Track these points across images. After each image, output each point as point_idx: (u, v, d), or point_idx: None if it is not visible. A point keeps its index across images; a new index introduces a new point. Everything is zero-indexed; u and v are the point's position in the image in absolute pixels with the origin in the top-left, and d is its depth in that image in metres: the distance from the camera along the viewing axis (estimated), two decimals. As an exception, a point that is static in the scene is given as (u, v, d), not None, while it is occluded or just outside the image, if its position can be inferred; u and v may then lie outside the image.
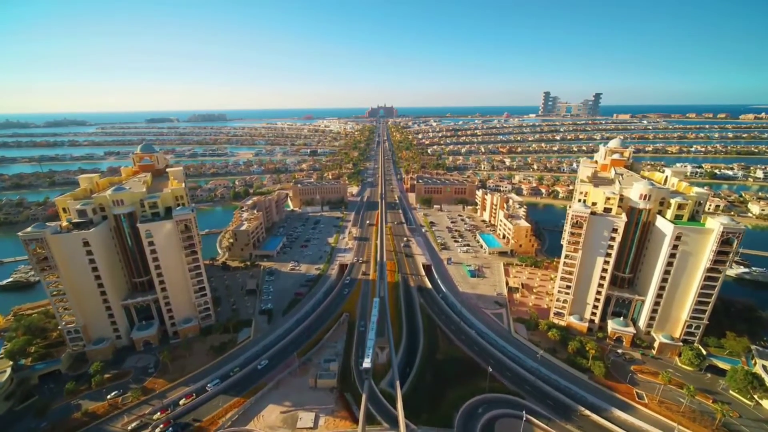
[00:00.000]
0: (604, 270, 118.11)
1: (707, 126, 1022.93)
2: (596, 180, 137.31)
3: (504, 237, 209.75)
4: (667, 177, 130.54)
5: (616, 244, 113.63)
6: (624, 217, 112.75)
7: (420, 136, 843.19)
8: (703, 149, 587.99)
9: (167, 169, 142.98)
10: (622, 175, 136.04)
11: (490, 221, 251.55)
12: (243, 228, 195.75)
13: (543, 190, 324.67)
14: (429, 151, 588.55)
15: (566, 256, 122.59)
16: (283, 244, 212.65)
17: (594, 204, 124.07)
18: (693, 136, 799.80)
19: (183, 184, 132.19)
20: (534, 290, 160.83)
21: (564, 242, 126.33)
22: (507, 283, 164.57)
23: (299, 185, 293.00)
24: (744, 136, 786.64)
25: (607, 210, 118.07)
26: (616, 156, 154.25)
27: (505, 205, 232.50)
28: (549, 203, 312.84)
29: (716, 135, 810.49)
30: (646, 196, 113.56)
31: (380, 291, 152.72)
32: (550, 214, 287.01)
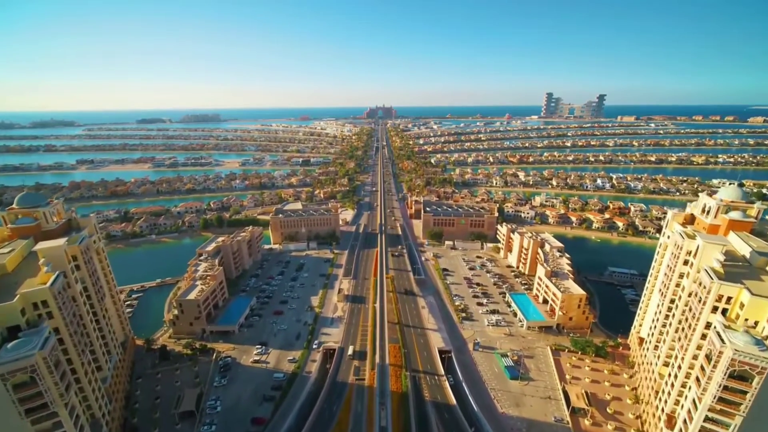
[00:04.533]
0: (783, 450, 66.08)
1: (720, 131, 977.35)
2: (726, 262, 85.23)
3: (544, 301, 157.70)
4: None
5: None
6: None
7: (421, 141, 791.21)
8: (731, 160, 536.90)
9: (38, 247, 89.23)
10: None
11: (518, 267, 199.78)
12: (191, 297, 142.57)
13: (573, 219, 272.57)
14: (432, 161, 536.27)
15: (707, 418, 70.29)
16: (251, 308, 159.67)
17: (747, 321, 72.33)
18: (712, 143, 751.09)
19: (53, 280, 79.02)
20: (609, 409, 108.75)
21: (699, 388, 74.67)
22: (566, 395, 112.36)
23: (281, 215, 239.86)
24: (767, 143, 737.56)
25: (785, 341, 66.00)
26: (735, 215, 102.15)
27: (540, 252, 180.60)
28: (581, 235, 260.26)
29: (736, 141, 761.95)
30: None
31: (380, 419, 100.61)
32: (585, 250, 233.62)
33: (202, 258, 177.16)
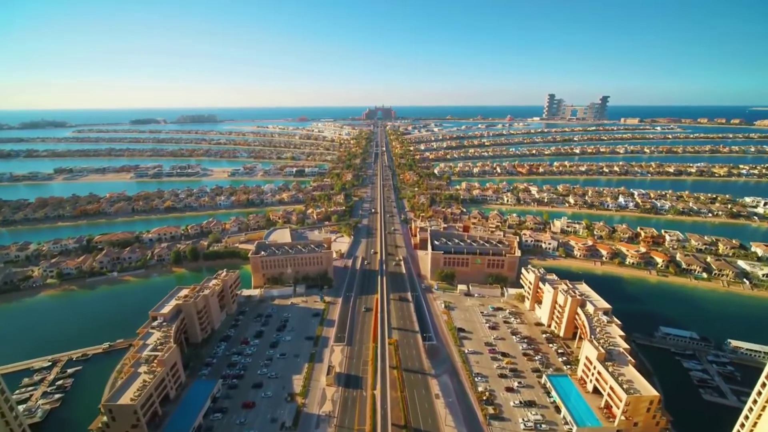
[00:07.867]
0: None
1: (731, 135, 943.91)
2: None
3: (595, 391, 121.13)
4: None
5: None
6: None
7: (422, 146, 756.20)
8: (756, 171, 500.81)
9: None
10: None
11: (549, 326, 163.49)
12: (126, 399, 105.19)
13: (603, 252, 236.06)
14: (436, 171, 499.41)
15: None
16: (213, 398, 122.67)
17: None
18: (726, 150, 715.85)
19: None
20: None
21: None
22: None
23: (263, 253, 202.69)
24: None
25: None
26: None
27: (580, 314, 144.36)
28: (612, 273, 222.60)
29: (752, 149, 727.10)
30: None
31: None
32: (621, 295, 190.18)
33: (155, 324, 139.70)
